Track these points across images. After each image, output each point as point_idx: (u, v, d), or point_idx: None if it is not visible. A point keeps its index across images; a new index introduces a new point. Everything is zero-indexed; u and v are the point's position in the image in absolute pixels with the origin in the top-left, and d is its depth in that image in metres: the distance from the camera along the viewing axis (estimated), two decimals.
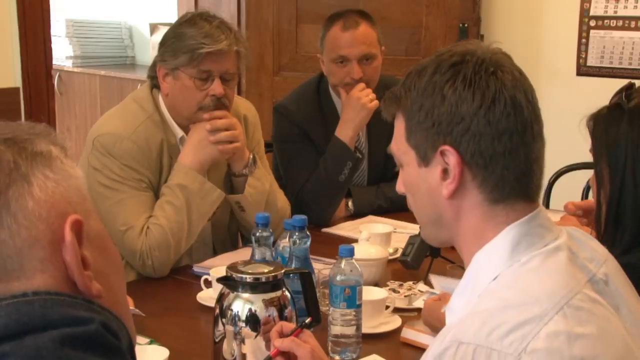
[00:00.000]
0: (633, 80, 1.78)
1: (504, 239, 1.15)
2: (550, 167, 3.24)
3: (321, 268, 2.05)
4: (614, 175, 1.68)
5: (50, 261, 0.82)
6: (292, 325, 1.48)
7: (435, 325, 1.76)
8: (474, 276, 1.17)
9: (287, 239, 1.97)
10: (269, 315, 1.56)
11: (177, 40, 2.27)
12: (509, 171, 1.15)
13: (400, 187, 1.29)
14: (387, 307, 1.94)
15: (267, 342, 1.52)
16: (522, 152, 1.16)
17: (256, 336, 1.55)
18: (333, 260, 1.86)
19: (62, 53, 5.61)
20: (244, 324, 1.55)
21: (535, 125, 1.18)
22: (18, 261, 0.80)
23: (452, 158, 1.15)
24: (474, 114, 1.14)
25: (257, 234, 1.94)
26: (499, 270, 1.13)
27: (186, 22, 2.29)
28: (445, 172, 1.17)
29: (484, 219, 1.17)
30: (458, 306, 1.17)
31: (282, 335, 1.46)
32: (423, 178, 1.21)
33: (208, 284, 2.05)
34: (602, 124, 1.71)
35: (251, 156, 2.42)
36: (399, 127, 1.23)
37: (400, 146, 1.24)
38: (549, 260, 1.12)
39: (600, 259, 1.20)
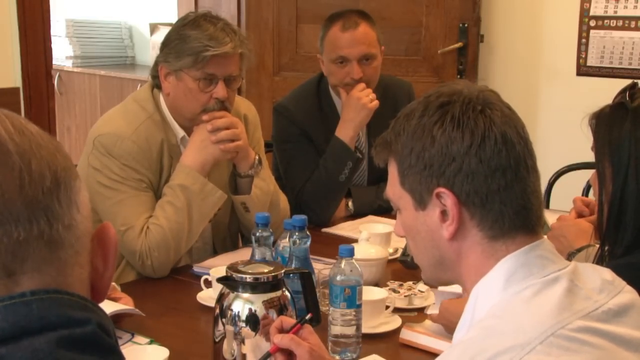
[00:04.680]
0: (636, 80, 1.77)
1: (500, 270, 1.13)
2: (550, 167, 3.28)
3: (321, 268, 2.05)
4: (616, 174, 1.67)
5: (84, 257, 0.83)
6: (292, 321, 1.47)
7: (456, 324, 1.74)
8: (472, 309, 1.15)
9: (287, 239, 1.97)
10: (268, 312, 1.56)
11: (181, 42, 2.26)
12: (507, 207, 1.14)
13: (399, 231, 1.28)
14: (387, 307, 1.94)
15: (266, 335, 1.52)
16: (517, 187, 1.15)
17: (255, 335, 1.55)
18: (333, 260, 1.86)
19: (62, 53, 5.61)
20: (244, 324, 1.55)
21: (528, 160, 1.17)
22: (74, 250, 0.82)
23: (448, 200, 1.15)
24: (465, 153, 1.14)
25: (257, 234, 1.94)
26: (494, 300, 1.11)
27: (190, 23, 2.27)
28: (443, 214, 1.16)
29: (485, 256, 1.16)
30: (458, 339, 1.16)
31: (281, 331, 1.45)
32: (422, 222, 1.20)
33: (208, 284, 2.05)
34: (605, 123, 1.70)
35: (257, 157, 2.42)
36: (392, 172, 1.23)
37: (395, 191, 1.23)
38: (543, 291, 1.09)
39: (613, 289, 1.16)
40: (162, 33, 3.66)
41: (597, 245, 1.90)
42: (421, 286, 2.06)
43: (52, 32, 3.67)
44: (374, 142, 1.27)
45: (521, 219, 1.15)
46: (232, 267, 1.59)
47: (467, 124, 1.14)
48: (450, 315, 1.76)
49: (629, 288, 1.19)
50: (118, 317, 1.83)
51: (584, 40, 3.92)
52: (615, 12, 3.83)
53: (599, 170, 1.71)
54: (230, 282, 1.58)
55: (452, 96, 1.18)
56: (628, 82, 1.76)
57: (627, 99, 1.68)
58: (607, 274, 1.19)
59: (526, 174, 1.16)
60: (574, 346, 1.03)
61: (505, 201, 1.14)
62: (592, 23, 3.90)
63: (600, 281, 1.16)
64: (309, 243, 1.94)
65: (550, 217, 2.28)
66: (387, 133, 1.23)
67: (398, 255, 2.30)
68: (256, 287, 1.56)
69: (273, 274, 1.57)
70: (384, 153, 1.25)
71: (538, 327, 1.03)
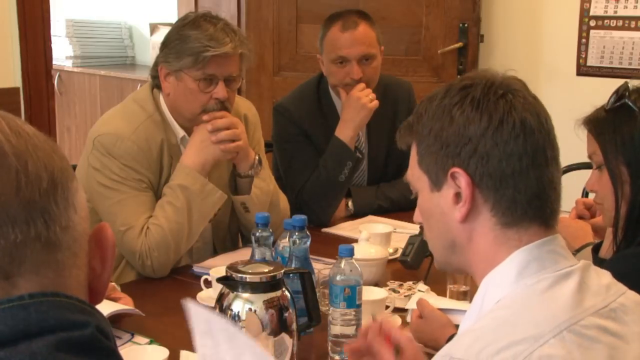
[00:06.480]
0: (628, 80, 1.77)
1: (512, 262, 1.13)
2: None
3: (321, 268, 2.05)
4: (636, 175, 1.68)
5: (81, 259, 0.83)
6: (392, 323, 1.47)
7: (433, 346, 1.73)
8: (481, 299, 1.15)
9: (287, 239, 1.97)
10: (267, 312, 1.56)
11: (181, 42, 2.26)
12: (521, 194, 1.14)
13: (417, 216, 1.28)
14: (387, 307, 1.94)
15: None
16: (532, 175, 1.14)
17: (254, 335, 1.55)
18: (333, 260, 1.86)
19: (62, 53, 5.61)
20: (244, 324, 1.55)
21: (549, 150, 1.16)
22: (72, 252, 0.81)
23: (462, 180, 1.15)
24: (481, 135, 1.14)
25: (257, 234, 1.94)
26: (505, 292, 1.11)
27: (190, 24, 2.27)
28: (457, 196, 1.16)
29: (496, 243, 1.15)
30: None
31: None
32: (436, 203, 1.20)
33: (208, 284, 2.05)
34: (609, 127, 1.70)
35: (257, 157, 2.42)
36: (413, 153, 1.24)
37: (414, 172, 1.24)
38: (556, 285, 1.10)
39: (620, 289, 1.16)
40: (162, 33, 3.66)
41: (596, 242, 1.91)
42: (421, 286, 2.06)
43: (52, 32, 3.67)
44: (399, 129, 1.28)
45: (534, 209, 1.15)
46: (232, 267, 1.59)
47: (487, 106, 1.14)
48: (425, 338, 1.75)
49: (631, 292, 1.19)
50: (118, 317, 1.83)
51: (584, 40, 3.92)
52: (615, 12, 3.83)
53: (612, 173, 1.70)
54: (230, 282, 1.58)
55: (474, 79, 1.18)
56: None
57: (627, 101, 1.68)
58: (608, 276, 1.19)
59: (544, 164, 1.15)
60: (586, 343, 1.04)
61: (519, 187, 1.14)
62: (592, 23, 3.89)
63: (607, 280, 1.17)
64: (308, 243, 1.94)
65: None
66: (411, 116, 1.24)
67: (398, 255, 2.30)
68: (256, 287, 1.56)
69: (273, 274, 1.57)
70: (406, 136, 1.25)
71: (552, 321, 1.04)
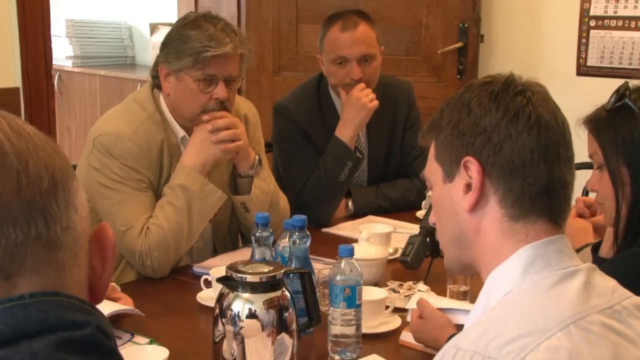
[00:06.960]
0: (628, 80, 1.77)
1: (518, 259, 1.14)
2: None
3: (321, 268, 2.05)
4: (637, 175, 1.68)
5: (82, 259, 0.83)
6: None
7: (433, 346, 1.74)
8: (487, 295, 1.16)
9: (287, 239, 1.97)
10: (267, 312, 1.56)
11: (181, 42, 2.26)
12: (530, 185, 1.15)
13: (432, 217, 1.30)
14: (387, 307, 1.94)
15: None
16: (543, 168, 1.15)
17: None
18: (333, 260, 1.86)
19: (62, 53, 5.61)
20: (243, 324, 1.55)
21: (562, 149, 1.17)
22: (72, 251, 0.81)
23: (473, 168, 1.16)
24: (496, 124, 1.15)
25: (257, 234, 1.94)
26: (511, 286, 1.13)
27: (190, 24, 2.27)
28: (468, 187, 1.18)
29: (503, 236, 1.16)
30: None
31: None
32: (447, 194, 1.22)
33: (208, 284, 2.05)
34: (609, 126, 1.71)
35: (257, 157, 2.42)
36: (431, 149, 1.26)
37: (430, 166, 1.26)
38: (562, 282, 1.11)
39: (624, 292, 1.17)
40: (162, 33, 3.67)
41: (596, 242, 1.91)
42: (421, 286, 2.06)
43: (52, 32, 3.67)
44: (422, 128, 1.29)
45: (542, 203, 1.16)
46: (232, 267, 1.58)
47: (504, 98, 1.17)
48: (424, 339, 1.76)
49: (636, 297, 1.19)
50: (118, 317, 1.83)
51: (584, 40, 3.92)
52: (615, 12, 3.83)
53: (612, 174, 1.71)
54: (230, 282, 1.58)
55: (495, 77, 1.21)
56: None
57: (628, 100, 1.68)
58: (613, 280, 1.20)
59: (556, 160, 1.16)
60: (592, 337, 1.05)
61: (528, 179, 1.15)
62: (592, 23, 3.89)
63: (612, 283, 1.18)
64: (308, 243, 1.94)
65: None
66: (434, 114, 1.27)
67: (398, 255, 2.30)
68: (256, 287, 1.56)
69: (273, 274, 1.57)
70: (428, 133, 1.27)
71: (558, 315, 1.05)
